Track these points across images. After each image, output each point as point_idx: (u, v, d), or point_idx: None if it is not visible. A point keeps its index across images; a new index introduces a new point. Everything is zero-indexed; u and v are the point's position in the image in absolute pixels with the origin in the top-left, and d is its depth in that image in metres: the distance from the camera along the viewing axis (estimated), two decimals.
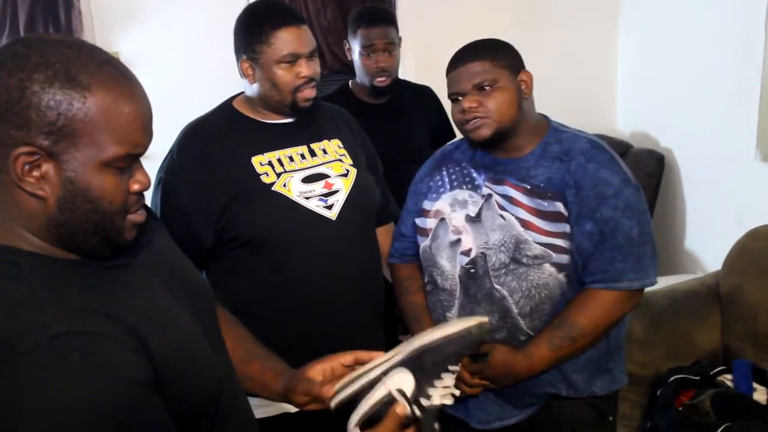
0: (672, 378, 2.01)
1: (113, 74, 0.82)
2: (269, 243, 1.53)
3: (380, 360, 1.06)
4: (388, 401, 0.99)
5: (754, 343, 2.08)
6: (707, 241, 3.08)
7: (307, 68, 1.54)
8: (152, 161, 1.27)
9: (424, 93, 2.50)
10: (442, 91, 2.30)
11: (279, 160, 1.58)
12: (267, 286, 1.55)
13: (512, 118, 1.46)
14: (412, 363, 1.02)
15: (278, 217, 1.54)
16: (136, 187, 0.87)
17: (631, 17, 3.56)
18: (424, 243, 1.58)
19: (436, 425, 1.00)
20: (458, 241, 1.51)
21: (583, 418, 1.55)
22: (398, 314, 1.81)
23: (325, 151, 1.65)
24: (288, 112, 1.59)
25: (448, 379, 1.03)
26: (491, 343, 1.48)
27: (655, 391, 2.04)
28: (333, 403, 1.07)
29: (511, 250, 1.44)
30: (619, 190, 1.42)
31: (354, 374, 1.07)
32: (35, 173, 0.79)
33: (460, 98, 1.47)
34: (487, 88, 1.44)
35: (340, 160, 1.66)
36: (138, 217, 0.89)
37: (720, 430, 1.78)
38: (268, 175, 1.55)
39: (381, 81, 2.26)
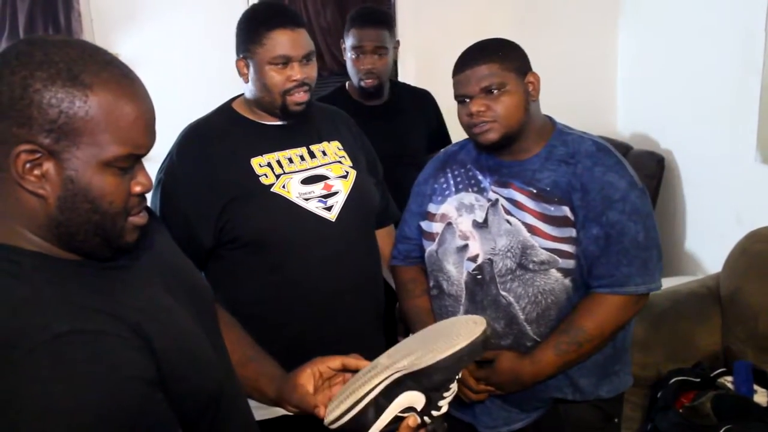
0: (672, 380, 2.00)
1: (116, 74, 0.82)
2: (268, 244, 1.53)
3: (367, 370, 1.04)
4: (398, 417, 0.99)
5: (754, 344, 2.08)
6: (707, 243, 3.08)
7: (300, 72, 1.54)
8: (152, 162, 1.27)
9: (422, 96, 2.50)
10: (441, 94, 2.31)
11: (278, 162, 1.58)
12: (266, 287, 1.55)
13: (519, 121, 1.45)
14: (416, 380, 1.00)
15: (277, 218, 1.53)
16: (137, 188, 0.87)
17: (631, 18, 3.56)
18: (430, 247, 1.57)
19: (445, 424, 1.00)
20: (465, 246, 1.50)
21: (590, 420, 1.54)
22: (398, 315, 1.81)
23: (324, 153, 1.65)
24: (279, 115, 1.59)
25: (454, 386, 1.03)
26: (497, 349, 1.47)
27: (655, 393, 2.03)
28: (331, 425, 1.05)
29: (517, 255, 1.44)
30: (626, 194, 1.41)
31: (345, 389, 1.05)
32: (36, 172, 0.79)
33: (467, 100, 1.46)
34: (495, 91, 1.42)
35: (340, 162, 1.66)
36: (140, 219, 0.89)
37: None
38: (267, 177, 1.55)
39: (368, 83, 2.26)
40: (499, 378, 1.47)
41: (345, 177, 1.64)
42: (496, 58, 1.43)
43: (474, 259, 1.48)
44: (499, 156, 1.52)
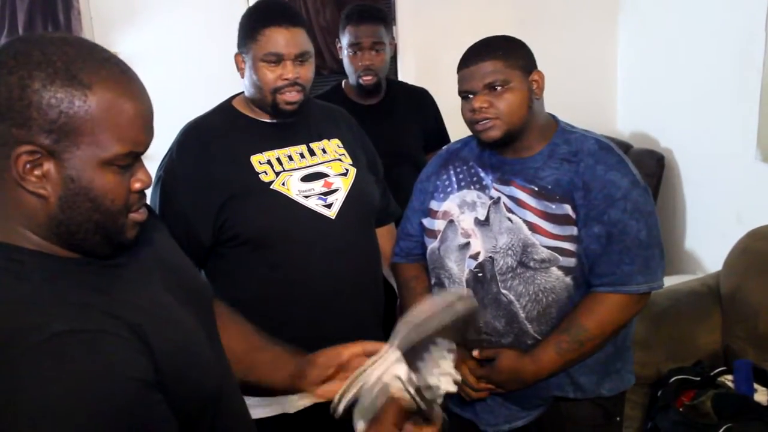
0: (673, 378, 2.00)
1: (114, 72, 0.82)
2: (268, 241, 1.53)
3: (379, 356, 1.05)
4: (388, 393, 1.00)
5: (754, 343, 2.07)
6: (708, 242, 3.08)
7: (292, 71, 1.53)
8: (152, 160, 1.26)
9: (420, 95, 2.48)
10: (441, 93, 2.31)
11: (278, 159, 1.58)
12: (266, 284, 1.55)
13: (522, 119, 1.44)
14: (405, 354, 1.02)
15: (277, 215, 1.53)
16: (137, 185, 0.87)
17: (631, 17, 3.56)
18: (432, 245, 1.57)
19: (445, 416, 1.00)
20: (467, 244, 1.50)
21: (591, 418, 1.54)
22: (399, 313, 1.80)
23: (324, 151, 1.65)
24: (270, 113, 1.59)
25: (446, 365, 1.03)
26: (498, 347, 1.47)
27: (655, 392, 2.03)
28: (339, 408, 1.05)
29: (518, 253, 1.43)
30: (628, 193, 1.41)
31: (352, 376, 1.06)
32: (36, 172, 0.79)
33: (470, 96, 1.45)
34: (499, 88, 1.42)
35: (340, 160, 1.66)
36: (139, 215, 0.89)
37: (721, 431, 1.78)
38: (267, 174, 1.55)
39: (367, 80, 2.25)
40: (500, 377, 1.47)
41: (345, 175, 1.64)
42: (501, 55, 1.43)
43: (475, 256, 1.48)
44: (501, 153, 1.51)
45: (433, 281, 1.59)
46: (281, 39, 1.52)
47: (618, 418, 1.60)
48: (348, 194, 1.61)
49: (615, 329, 1.45)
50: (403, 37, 3.48)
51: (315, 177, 1.59)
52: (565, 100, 2.49)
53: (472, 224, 1.50)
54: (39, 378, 0.72)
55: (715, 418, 1.83)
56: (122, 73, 0.83)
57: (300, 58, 1.54)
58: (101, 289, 0.84)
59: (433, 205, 1.59)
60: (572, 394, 1.50)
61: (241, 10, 1.64)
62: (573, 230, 1.42)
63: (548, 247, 1.42)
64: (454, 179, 1.57)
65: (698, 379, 2.00)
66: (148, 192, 0.99)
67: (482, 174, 1.53)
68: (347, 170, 1.65)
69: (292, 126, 1.62)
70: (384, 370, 1.02)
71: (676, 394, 1.96)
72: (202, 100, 1.76)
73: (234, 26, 1.61)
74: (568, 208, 1.42)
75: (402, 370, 1.00)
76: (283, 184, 1.55)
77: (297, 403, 1.59)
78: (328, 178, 1.61)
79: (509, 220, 1.45)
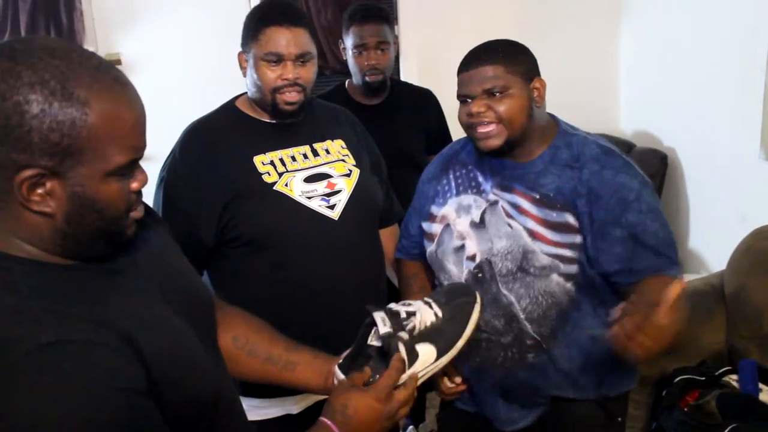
0: (677, 378, 2.00)
1: (108, 82, 0.81)
2: (270, 242, 1.52)
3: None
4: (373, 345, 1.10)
5: (759, 343, 2.07)
6: (711, 241, 3.07)
7: (292, 71, 1.52)
8: (154, 162, 1.27)
9: (423, 96, 2.47)
10: (444, 93, 2.31)
11: (281, 160, 1.57)
12: (268, 285, 1.54)
13: (522, 126, 1.42)
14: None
15: (280, 216, 1.53)
16: (135, 185, 0.87)
17: (633, 16, 3.55)
18: (430, 248, 1.57)
19: (404, 357, 1.07)
20: (462, 246, 1.50)
21: (593, 419, 1.53)
22: None
23: (327, 151, 1.65)
24: (270, 113, 1.59)
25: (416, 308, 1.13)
26: (497, 346, 1.47)
27: (660, 392, 2.03)
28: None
29: (518, 259, 1.42)
30: (640, 194, 1.40)
31: None
32: (40, 191, 0.79)
33: (468, 100, 1.43)
34: (498, 94, 1.39)
35: (343, 161, 1.65)
36: (138, 213, 0.90)
37: (726, 431, 1.77)
38: (269, 175, 1.54)
39: (372, 78, 2.25)
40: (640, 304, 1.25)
41: (348, 175, 1.63)
42: (501, 61, 1.40)
43: (472, 258, 1.48)
44: (501, 157, 1.50)
45: (436, 282, 1.59)
46: (282, 39, 1.51)
47: (620, 419, 1.59)
48: (351, 195, 1.60)
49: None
50: (405, 36, 3.48)
51: (318, 178, 1.59)
52: (567, 99, 2.48)
53: (467, 226, 1.50)
54: (27, 390, 0.71)
55: (720, 418, 1.83)
56: (116, 81, 0.82)
57: (301, 59, 1.54)
58: (94, 296, 0.83)
59: (433, 209, 1.59)
60: (572, 393, 1.50)
61: (243, 10, 1.64)
62: (575, 238, 1.40)
63: (549, 254, 1.40)
64: (453, 184, 1.57)
65: (703, 378, 2.00)
66: (150, 192, 0.99)
67: (481, 179, 1.52)
68: (351, 171, 1.64)
69: (296, 126, 1.61)
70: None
71: (681, 393, 1.96)
72: (205, 100, 1.77)
73: (236, 27, 1.61)
74: (569, 217, 1.40)
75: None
76: (286, 185, 1.55)
77: (300, 403, 1.59)
78: (331, 179, 1.60)
79: (509, 225, 1.44)
